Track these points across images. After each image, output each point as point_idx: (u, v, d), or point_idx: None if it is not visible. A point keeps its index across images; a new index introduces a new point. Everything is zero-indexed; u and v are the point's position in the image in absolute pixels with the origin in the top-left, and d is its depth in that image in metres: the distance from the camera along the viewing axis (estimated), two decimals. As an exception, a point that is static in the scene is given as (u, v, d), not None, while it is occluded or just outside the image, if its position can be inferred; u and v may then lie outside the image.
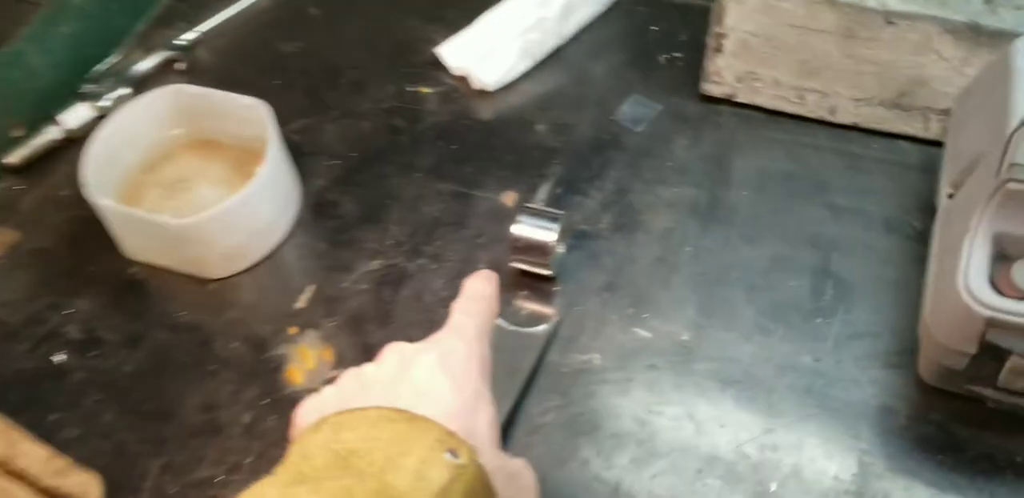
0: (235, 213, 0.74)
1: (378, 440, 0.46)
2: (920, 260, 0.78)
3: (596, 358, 0.75)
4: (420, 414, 0.48)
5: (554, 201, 0.82)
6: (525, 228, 0.74)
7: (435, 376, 0.51)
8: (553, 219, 0.75)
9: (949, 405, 0.71)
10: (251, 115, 0.80)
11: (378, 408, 0.48)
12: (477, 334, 0.56)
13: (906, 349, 0.74)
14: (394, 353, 0.54)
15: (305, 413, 0.53)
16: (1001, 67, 0.71)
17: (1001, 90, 0.68)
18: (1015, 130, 0.59)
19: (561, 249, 0.78)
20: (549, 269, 0.76)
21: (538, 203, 0.77)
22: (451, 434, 0.47)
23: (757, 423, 0.71)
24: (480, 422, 0.51)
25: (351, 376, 0.54)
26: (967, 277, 0.63)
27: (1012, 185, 0.62)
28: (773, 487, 0.68)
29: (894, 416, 0.71)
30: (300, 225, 0.83)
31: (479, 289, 0.61)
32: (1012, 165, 0.62)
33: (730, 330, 0.76)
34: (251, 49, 0.98)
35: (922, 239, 0.80)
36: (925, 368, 0.72)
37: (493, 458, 0.50)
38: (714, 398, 0.72)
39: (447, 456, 0.45)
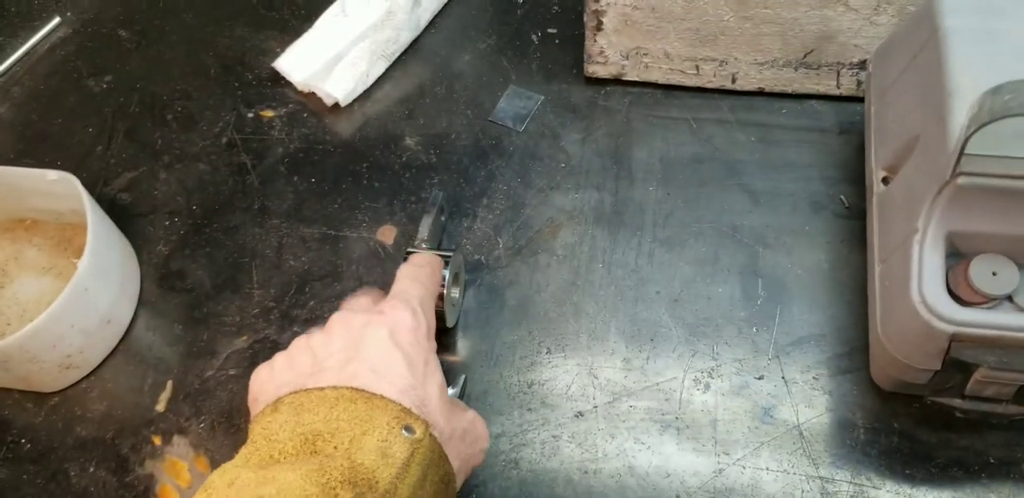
0: (61, 319, 0.62)
1: (339, 421, 0.48)
2: (854, 239, 0.70)
3: (514, 416, 0.65)
4: (375, 393, 0.49)
5: (438, 232, 0.71)
6: None
7: (388, 351, 0.52)
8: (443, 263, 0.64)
9: (909, 409, 0.64)
10: (61, 189, 0.67)
11: (335, 388, 0.50)
12: (422, 301, 0.57)
13: (854, 349, 0.67)
14: (342, 326, 0.54)
15: (259, 384, 0.54)
16: (925, 24, 0.60)
17: (930, 57, 0.58)
18: (971, 131, 0.49)
19: (456, 294, 0.68)
20: (445, 321, 0.65)
21: (421, 244, 0.66)
22: (406, 411, 0.49)
23: (705, 465, 0.63)
24: (431, 390, 0.53)
25: (301, 348, 0.54)
26: (922, 289, 0.55)
27: (963, 180, 0.53)
28: (735, 538, 0.60)
29: (852, 431, 0.64)
30: (145, 307, 0.71)
31: (423, 256, 0.63)
32: (965, 155, 0.52)
33: (659, 357, 0.67)
34: (54, 92, 0.83)
35: (853, 215, 0.71)
36: (881, 379, 0.64)
37: (445, 424, 0.52)
38: (653, 444, 0.64)
39: (404, 433, 0.48)
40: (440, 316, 0.64)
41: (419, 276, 0.59)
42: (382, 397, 0.49)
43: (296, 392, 0.50)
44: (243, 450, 0.48)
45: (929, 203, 0.55)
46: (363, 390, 0.49)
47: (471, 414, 0.57)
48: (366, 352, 0.52)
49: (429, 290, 0.59)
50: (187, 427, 0.66)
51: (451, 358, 0.68)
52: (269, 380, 0.53)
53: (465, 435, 0.55)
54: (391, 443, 0.47)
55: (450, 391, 0.63)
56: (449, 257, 0.64)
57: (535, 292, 0.70)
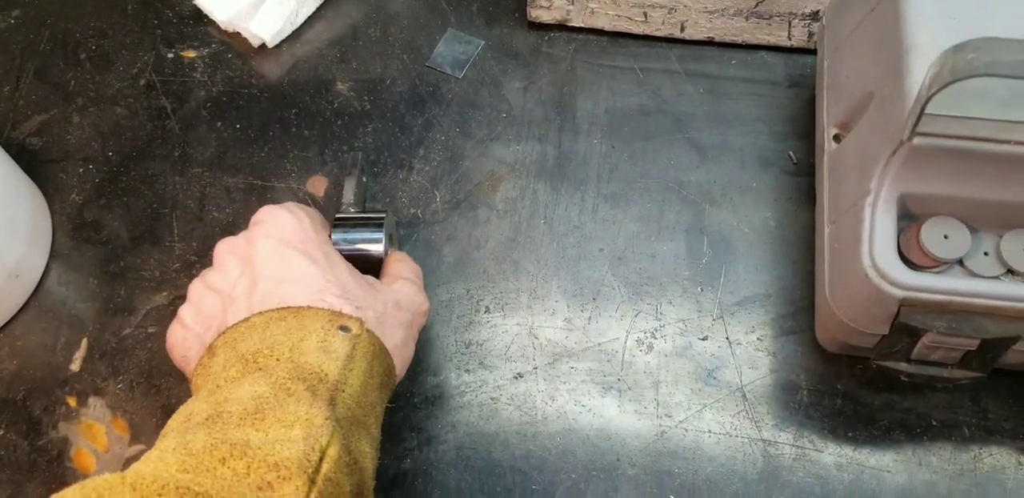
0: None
1: (275, 337, 0.47)
2: (801, 196, 0.69)
3: (451, 377, 0.63)
4: (299, 304, 0.49)
5: (362, 193, 0.66)
6: (344, 247, 0.59)
7: (284, 257, 0.51)
8: (376, 226, 0.60)
9: (853, 371, 0.64)
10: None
11: (259, 314, 0.49)
12: (295, 205, 0.56)
13: (800, 309, 0.66)
14: (228, 253, 0.53)
15: (180, 343, 0.53)
16: (879, -23, 0.58)
17: (888, 11, 0.56)
18: (933, 91, 0.46)
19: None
20: None
21: (348, 208, 0.62)
22: (336, 313, 0.49)
23: (647, 428, 0.62)
24: (344, 278, 0.52)
25: (201, 291, 0.53)
26: (873, 253, 0.54)
27: (919, 140, 0.51)
28: (675, 502, 0.59)
29: (795, 393, 0.63)
30: (57, 260, 0.66)
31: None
32: (925, 116, 0.50)
33: (602, 317, 0.65)
34: (-46, 27, 0.76)
35: (801, 172, 0.70)
36: (826, 341, 0.63)
37: (373, 302, 0.52)
38: (594, 406, 0.62)
39: (340, 332, 0.48)
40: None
41: None
42: (308, 307, 0.49)
43: (224, 332, 0.49)
44: (191, 399, 0.47)
45: (883, 164, 0.54)
46: (286, 307, 0.49)
47: (398, 283, 0.56)
48: (265, 268, 0.51)
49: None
50: (104, 388, 0.62)
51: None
52: (187, 335, 0.52)
53: (399, 304, 0.54)
54: (330, 342, 0.47)
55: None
56: (382, 219, 0.61)
57: (474, 248, 0.67)
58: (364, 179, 0.68)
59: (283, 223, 0.53)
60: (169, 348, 0.54)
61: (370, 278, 0.55)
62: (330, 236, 0.58)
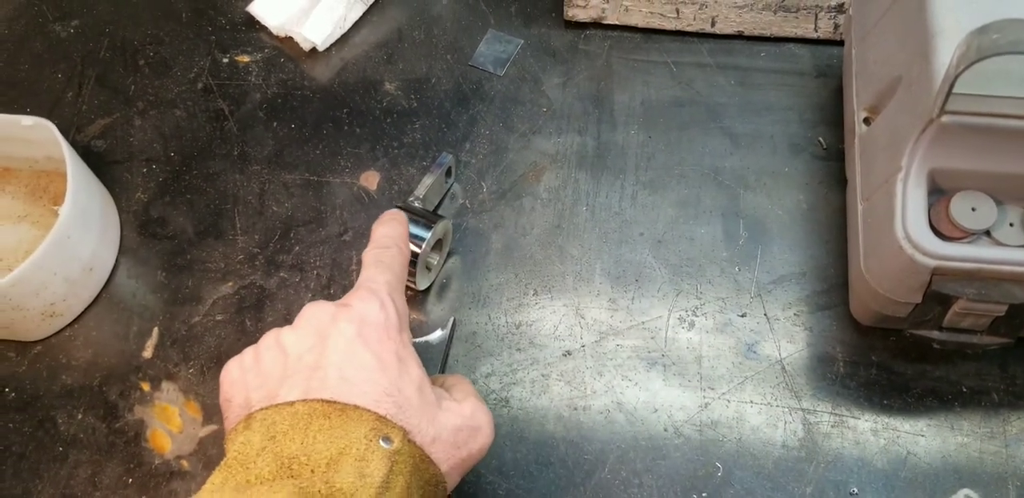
0: (44, 267, 0.61)
1: (315, 442, 0.46)
2: (832, 180, 0.71)
3: (503, 356, 0.66)
4: (349, 402, 0.47)
5: (439, 194, 0.70)
6: None
7: (356, 353, 0.49)
8: (426, 225, 0.63)
9: (886, 342, 0.66)
10: (36, 136, 0.65)
11: (305, 402, 0.47)
12: (390, 289, 0.54)
13: (833, 286, 0.68)
14: (310, 321, 0.51)
15: (230, 383, 0.51)
16: (903, -35, 0.61)
17: (912, 2, 0.59)
18: (960, 70, 0.49)
19: (434, 259, 0.67)
20: (414, 283, 0.65)
21: (414, 201, 0.65)
22: (382, 420, 0.47)
23: (691, 400, 0.65)
24: (408, 392, 0.49)
25: (270, 345, 0.51)
26: (906, 225, 0.56)
27: (947, 118, 0.54)
28: (720, 468, 0.62)
29: (832, 364, 0.66)
30: (126, 254, 0.70)
31: (387, 234, 0.58)
32: (952, 95, 0.53)
33: (644, 297, 0.68)
34: (19, 38, 0.80)
35: (831, 157, 0.72)
36: (860, 314, 0.65)
37: (428, 426, 0.49)
38: (640, 380, 0.65)
39: (382, 444, 0.46)
40: (411, 279, 0.64)
41: (382, 260, 0.56)
42: (356, 407, 0.47)
43: (267, 408, 0.47)
44: (218, 473, 0.46)
45: (912, 142, 0.56)
46: (335, 401, 0.47)
47: (468, 407, 0.53)
48: (334, 354, 0.49)
49: (397, 274, 0.56)
50: (176, 373, 0.65)
51: (438, 306, 0.68)
52: (240, 380, 0.51)
53: (457, 434, 0.51)
54: (368, 461, 0.45)
55: (438, 333, 0.63)
56: (436, 219, 0.63)
57: (520, 235, 0.70)
58: (450, 182, 0.71)
59: (370, 316, 0.51)
60: (221, 380, 0.52)
61: (441, 392, 0.53)
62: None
